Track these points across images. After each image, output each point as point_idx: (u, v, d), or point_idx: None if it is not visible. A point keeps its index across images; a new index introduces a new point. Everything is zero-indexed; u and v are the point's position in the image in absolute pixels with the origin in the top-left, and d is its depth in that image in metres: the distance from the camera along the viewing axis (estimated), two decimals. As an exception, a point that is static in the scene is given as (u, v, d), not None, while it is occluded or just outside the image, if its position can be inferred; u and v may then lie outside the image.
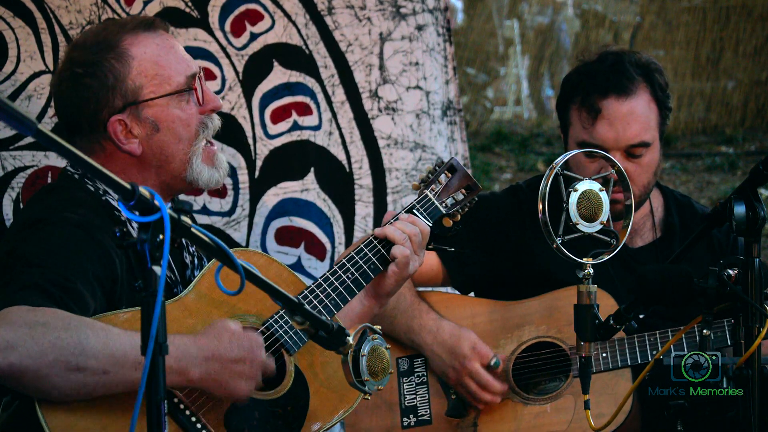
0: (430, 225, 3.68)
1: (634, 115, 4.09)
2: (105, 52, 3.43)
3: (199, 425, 3.21)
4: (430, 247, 3.77)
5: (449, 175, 3.75)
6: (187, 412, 3.20)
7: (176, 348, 3.08)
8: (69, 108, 3.46)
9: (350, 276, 3.55)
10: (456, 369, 4.05)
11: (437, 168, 3.76)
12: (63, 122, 3.53)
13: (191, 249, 3.65)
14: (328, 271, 3.54)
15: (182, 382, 3.13)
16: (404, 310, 4.12)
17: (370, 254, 3.59)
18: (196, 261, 3.64)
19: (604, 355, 3.99)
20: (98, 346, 3.01)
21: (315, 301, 3.48)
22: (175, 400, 3.19)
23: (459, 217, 3.75)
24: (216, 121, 3.58)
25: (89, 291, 3.17)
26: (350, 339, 2.99)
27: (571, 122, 4.17)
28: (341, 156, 4.87)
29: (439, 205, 3.71)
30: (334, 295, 3.51)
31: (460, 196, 3.76)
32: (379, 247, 3.60)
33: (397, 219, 3.66)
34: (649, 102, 4.12)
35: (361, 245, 3.60)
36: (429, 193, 3.71)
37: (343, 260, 3.57)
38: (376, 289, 3.65)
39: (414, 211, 3.67)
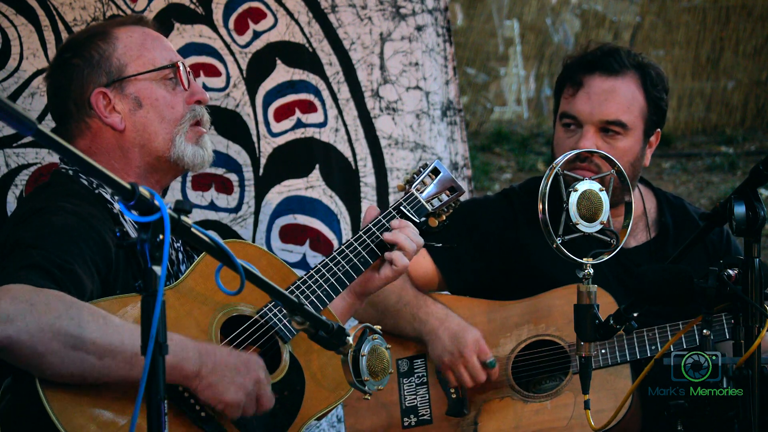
0: (418, 221, 3.74)
1: (614, 93, 4.10)
2: (92, 37, 3.57)
3: (198, 407, 3.23)
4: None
5: (433, 177, 3.82)
6: (186, 394, 3.22)
7: (174, 343, 3.10)
8: (59, 92, 3.57)
9: (341, 268, 3.61)
10: (453, 354, 4.07)
11: (422, 170, 3.84)
12: (54, 112, 3.63)
13: (176, 244, 3.67)
14: (319, 263, 3.60)
15: (177, 377, 3.15)
16: (409, 302, 4.15)
17: (360, 248, 3.65)
18: (182, 256, 3.67)
19: (603, 351, 4.00)
20: (96, 332, 3.04)
21: (308, 292, 3.54)
22: None
23: (444, 217, 3.82)
24: (206, 114, 3.64)
25: (87, 274, 3.21)
26: (350, 339, 3.00)
27: (560, 102, 4.20)
28: (347, 153, 4.88)
29: (425, 204, 3.78)
30: (326, 286, 3.57)
31: (445, 198, 3.82)
32: (368, 241, 3.66)
33: (388, 214, 3.71)
34: (635, 89, 4.12)
35: (351, 240, 3.66)
36: (415, 192, 3.78)
37: (334, 253, 3.63)
38: (363, 286, 3.72)
39: (402, 207, 3.74)
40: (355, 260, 3.63)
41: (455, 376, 4.09)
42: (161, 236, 2.51)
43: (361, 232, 3.67)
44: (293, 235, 4.79)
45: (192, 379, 3.16)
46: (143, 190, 2.50)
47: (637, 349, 3.99)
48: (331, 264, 3.60)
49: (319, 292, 3.54)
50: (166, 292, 3.31)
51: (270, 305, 3.46)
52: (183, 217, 2.58)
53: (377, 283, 3.70)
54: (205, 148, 3.61)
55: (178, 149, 3.55)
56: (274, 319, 3.45)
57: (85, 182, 3.50)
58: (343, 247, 3.64)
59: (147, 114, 3.54)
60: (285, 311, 3.37)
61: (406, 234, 3.66)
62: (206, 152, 3.61)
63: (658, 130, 4.23)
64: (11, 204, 4.19)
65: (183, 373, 3.15)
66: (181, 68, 3.59)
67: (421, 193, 3.78)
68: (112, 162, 3.52)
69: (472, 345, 4.06)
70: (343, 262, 3.61)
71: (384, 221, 3.70)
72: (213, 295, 3.38)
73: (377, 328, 3.24)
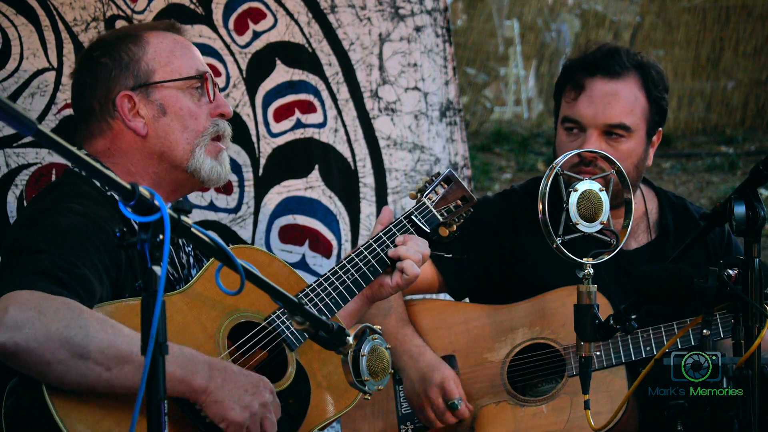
0: (428, 231, 3.75)
1: (617, 96, 4.08)
2: (124, 38, 3.56)
3: (202, 414, 3.21)
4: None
5: (445, 186, 3.83)
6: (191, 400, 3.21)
7: (184, 357, 3.12)
8: (84, 90, 3.55)
9: (350, 277, 3.61)
10: (419, 396, 4.05)
11: (434, 178, 3.84)
12: (77, 109, 3.61)
13: (187, 249, 3.67)
14: (329, 271, 3.59)
15: (185, 390, 3.13)
16: (388, 332, 4.11)
17: (369, 257, 3.66)
18: (192, 260, 3.66)
19: (597, 353, 3.98)
20: (105, 341, 3.03)
21: (316, 300, 3.53)
22: None
23: (455, 227, 3.82)
24: (228, 129, 3.63)
25: (96, 277, 3.20)
26: (350, 339, 2.99)
27: (561, 105, 4.19)
28: (346, 153, 4.88)
29: (436, 214, 3.77)
30: (334, 294, 3.56)
31: (456, 207, 3.81)
32: (378, 250, 3.66)
33: (399, 223, 3.72)
34: (637, 90, 4.11)
35: (361, 248, 3.67)
36: (427, 202, 3.78)
37: (344, 262, 3.63)
38: (374, 293, 3.73)
39: (413, 217, 3.75)
40: (364, 269, 3.64)
41: (424, 417, 4.07)
42: (161, 236, 2.50)
43: (371, 240, 3.68)
44: (292, 235, 4.79)
45: (199, 394, 3.15)
46: (143, 190, 2.50)
47: (631, 350, 3.98)
48: (340, 272, 3.60)
49: (327, 300, 3.54)
50: (174, 296, 3.32)
51: (278, 312, 3.45)
52: (183, 217, 2.58)
53: (388, 290, 3.71)
54: (223, 165, 3.60)
55: (197, 161, 3.54)
56: (282, 327, 3.44)
57: (97, 183, 3.48)
58: (352, 255, 3.64)
59: (170, 122, 3.53)
60: (286, 312, 3.36)
61: (408, 247, 3.67)
62: (224, 169, 3.60)
63: (660, 129, 4.22)
64: (11, 204, 4.18)
65: (191, 386, 3.13)
66: (209, 80, 3.59)
67: (433, 202, 3.79)
68: (129, 166, 3.51)
69: (437, 387, 4.02)
70: (352, 271, 3.61)
71: (395, 230, 3.71)
72: (222, 301, 3.38)
73: (377, 328, 3.23)
